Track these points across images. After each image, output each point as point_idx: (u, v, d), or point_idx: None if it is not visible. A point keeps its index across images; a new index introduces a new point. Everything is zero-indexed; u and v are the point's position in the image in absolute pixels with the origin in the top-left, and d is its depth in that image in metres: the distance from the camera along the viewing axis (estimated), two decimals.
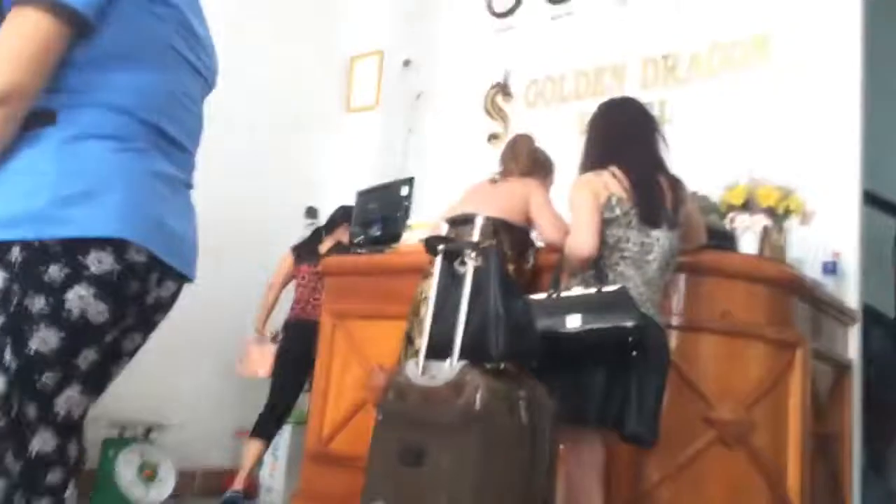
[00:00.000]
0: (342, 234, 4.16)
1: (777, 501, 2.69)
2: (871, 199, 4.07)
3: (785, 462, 2.72)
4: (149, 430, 3.73)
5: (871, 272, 3.80)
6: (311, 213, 4.78)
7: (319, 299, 4.00)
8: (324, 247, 4.19)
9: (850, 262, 3.44)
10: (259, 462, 3.94)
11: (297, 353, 3.97)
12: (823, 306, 3.14)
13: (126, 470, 3.58)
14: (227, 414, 4.07)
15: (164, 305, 1.41)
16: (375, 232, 3.76)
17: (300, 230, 4.69)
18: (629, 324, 2.11)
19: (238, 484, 3.79)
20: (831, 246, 3.37)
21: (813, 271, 3.21)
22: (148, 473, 3.63)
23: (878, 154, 4.00)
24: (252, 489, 3.90)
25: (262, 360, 4.05)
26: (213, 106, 4.63)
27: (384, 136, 4.90)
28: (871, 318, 4.01)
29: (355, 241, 3.86)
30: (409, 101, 5.05)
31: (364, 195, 4.00)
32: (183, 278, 1.41)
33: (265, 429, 3.93)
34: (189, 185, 1.47)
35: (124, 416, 3.70)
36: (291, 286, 4.20)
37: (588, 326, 2.14)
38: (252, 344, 4.11)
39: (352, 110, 5.05)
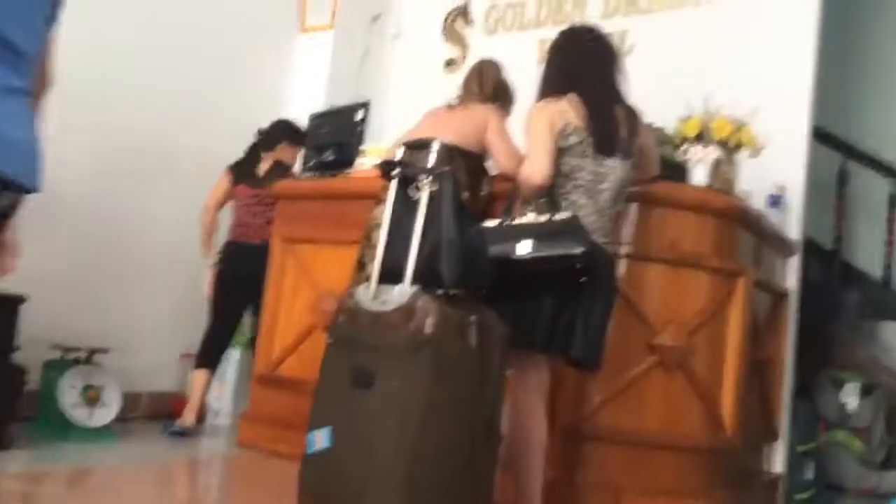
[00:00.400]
0: (283, 153, 4.01)
1: (711, 422, 2.81)
2: (820, 136, 4.15)
3: (720, 385, 2.84)
4: (92, 353, 3.68)
5: (815, 205, 3.91)
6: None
7: (260, 223, 3.90)
8: (263, 167, 4.01)
9: (795, 195, 3.53)
10: (207, 390, 3.92)
11: (236, 278, 3.87)
12: (766, 237, 3.23)
13: (69, 392, 3.55)
14: (173, 337, 4.04)
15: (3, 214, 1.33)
16: (328, 156, 3.69)
17: None
18: (578, 251, 2.13)
19: (188, 417, 3.74)
20: (778, 179, 3.45)
21: (759, 203, 3.29)
22: (92, 396, 3.60)
23: (830, 91, 4.07)
24: (199, 412, 3.91)
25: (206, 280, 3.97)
26: (161, 27, 4.48)
27: (339, 59, 4.77)
28: (811, 249, 4.15)
29: (307, 164, 3.79)
30: (365, 22, 4.92)
31: (317, 118, 3.92)
32: (21, 188, 1.33)
33: (208, 357, 3.86)
34: (27, 93, 1.38)
35: (67, 339, 3.64)
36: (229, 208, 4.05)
37: (538, 253, 2.16)
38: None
39: (305, 30, 4.88)
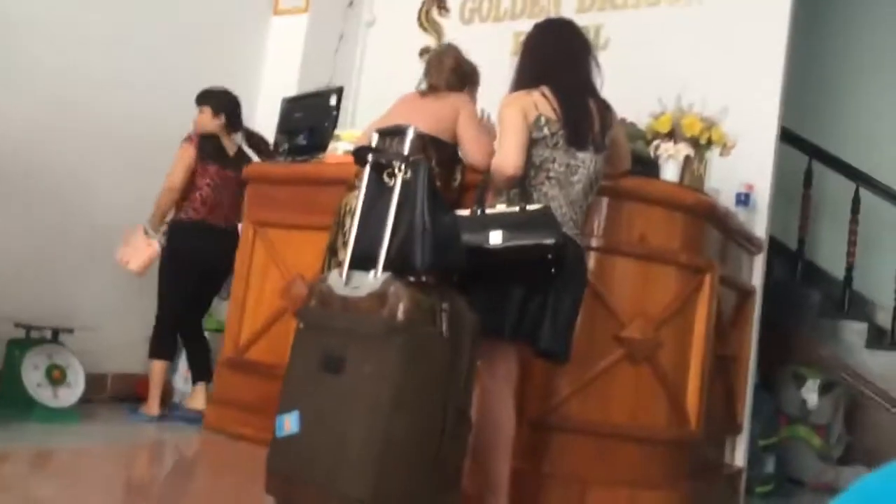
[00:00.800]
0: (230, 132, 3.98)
1: (676, 414, 2.86)
2: (788, 137, 4.22)
3: (686, 378, 2.88)
4: (57, 333, 3.63)
5: (780, 205, 3.97)
6: None
7: (229, 204, 3.83)
8: (230, 146, 3.93)
9: (763, 194, 3.59)
10: (165, 377, 3.84)
11: (199, 261, 3.75)
12: (733, 235, 3.28)
13: (33, 372, 3.49)
14: (139, 317, 3.97)
15: None
16: (301, 141, 3.68)
17: None
18: (550, 241, 2.15)
19: (153, 407, 3.70)
20: (746, 178, 3.50)
21: (727, 201, 3.34)
22: (56, 376, 3.55)
23: (798, 93, 4.14)
24: (165, 395, 3.87)
25: (137, 255, 3.72)
26: (134, 8, 4.41)
27: (313, 43, 4.73)
28: (776, 248, 4.22)
29: (280, 148, 3.76)
30: (341, 7, 4.88)
31: (290, 102, 3.89)
32: None
33: (161, 347, 3.78)
34: None
35: (31, 318, 3.58)
36: None
37: (509, 243, 2.17)
38: (135, 234, 3.73)
39: (279, 12, 4.83)
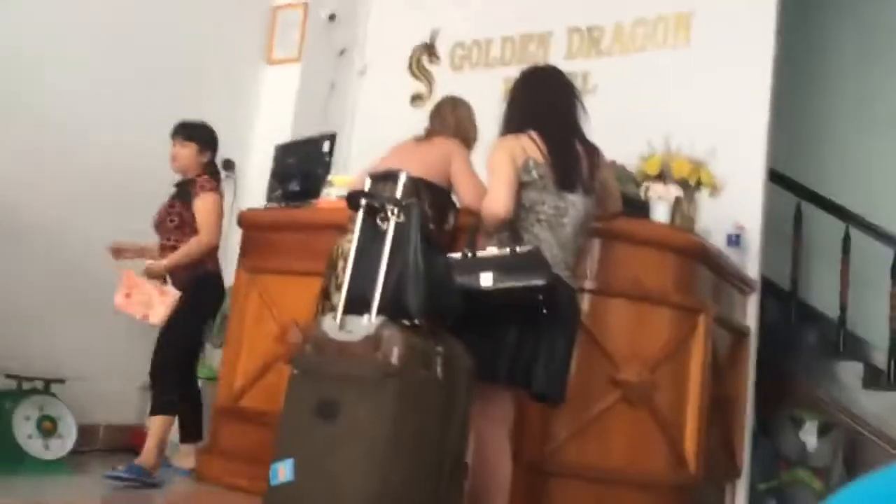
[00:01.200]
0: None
1: (675, 458, 2.83)
2: (776, 177, 4.27)
3: (684, 421, 2.86)
4: (48, 384, 3.59)
5: (772, 246, 4.00)
6: (228, 165, 4.64)
7: None
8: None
9: (754, 235, 3.62)
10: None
11: (216, 314, 3.71)
12: (726, 275, 3.29)
13: (24, 423, 3.44)
14: (132, 368, 3.93)
15: None
16: (294, 187, 3.69)
17: None
18: (540, 282, 2.15)
19: (147, 460, 3.33)
20: (737, 219, 3.53)
21: (718, 242, 3.36)
22: (48, 427, 3.50)
23: (785, 134, 4.20)
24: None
25: (154, 306, 3.39)
26: (128, 57, 4.45)
27: (305, 91, 4.79)
28: (768, 289, 4.23)
29: (272, 194, 3.78)
30: (332, 56, 4.96)
31: (283, 149, 3.91)
32: None
33: (173, 402, 3.47)
34: None
35: (22, 368, 3.55)
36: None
37: (500, 284, 2.17)
38: (141, 283, 3.41)
39: (273, 62, 4.91)
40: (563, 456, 2.74)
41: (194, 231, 3.50)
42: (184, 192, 3.58)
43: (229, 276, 3.77)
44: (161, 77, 4.27)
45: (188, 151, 3.60)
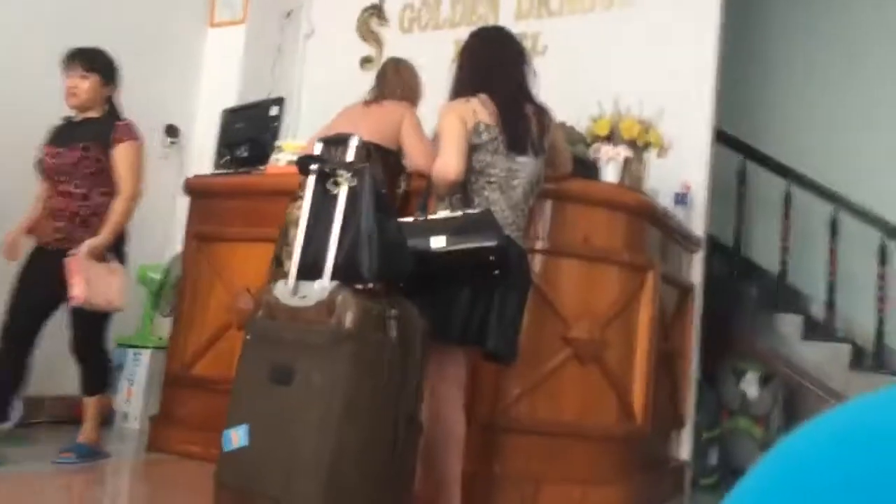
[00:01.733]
0: None
1: (623, 411, 2.91)
2: (722, 137, 4.35)
3: (632, 376, 2.94)
4: None
5: (717, 204, 4.09)
6: (172, 131, 4.55)
7: None
8: None
9: (700, 194, 3.70)
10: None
11: None
12: (673, 234, 3.37)
13: None
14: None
15: None
16: (242, 153, 3.64)
17: (159, 150, 4.46)
18: (491, 243, 2.17)
19: (89, 437, 3.22)
20: (684, 178, 3.60)
21: (666, 201, 3.42)
22: None
23: (731, 95, 4.27)
24: (106, 415, 3.76)
25: (111, 289, 3.09)
26: (67, 22, 4.30)
27: (250, 55, 4.70)
28: (713, 246, 4.34)
29: (220, 160, 3.72)
30: (278, 18, 4.86)
31: (230, 114, 3.85)
32: None
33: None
34: None
35: None
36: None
37: (452, 246, 2.19)
38: (90, 265, 3.03)
39: (215, 25, 4.78)
40: (516, 412, 2.80)
41: (111, 183, 3.09)
42: (99, 135, 3.11)
43: (177, 244, 3.72)
44: (98, 41, 4.12)
45: (90, 84, 3.13)
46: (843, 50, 5.19)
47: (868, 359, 4.52)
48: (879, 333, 4.43)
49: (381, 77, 3.02)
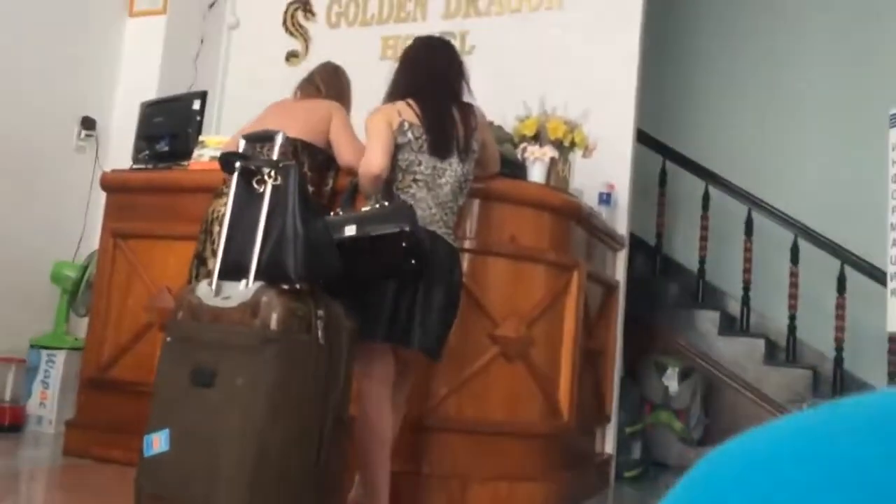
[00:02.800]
0: None
1: (549, 408, 2.96)
2: (644, 139, 4.46)
3: (558, 373, 2.98)
4: None
5: (639, 204, 4.20)
6: (88, 123, 4.38)
7: None
8: None
9: (623, 193, 3.78)
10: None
11: None
12: (598, 233, 3.43)
13: None
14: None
15: None
16: (162, 147, 3.53)
17: (74, 142, 4.29)
18: (402, 228, 2.15)
19: None
20: (607, 178, 3.67)
21: (590, 200, 3.48)
22: None
23: (653, 98, 4.38)
24: (19, 420, 3.60)
25: None
26: None
27: (172, 46, 4.55)
28: (636, 244, 4.45)
29: (139, 155, 3.60)
30: (201, 9, 4.73)
31: (150, 107, 3.72)
32: None
33: None
34: None
35: None
36: None
37: (361, 232, 2.17)
38: None
39: (135, 14, 4.62)
40: (444, 412, 2.80)
41: None
42: None
43: (94, 240, 3.59)
44: (9, 32, 3.94)
45: None
46: (762, 52, 5.38)
47: (781, 353, 4.72)
48: (791, 329, 4.62)
49: (313, 75, 2.97)
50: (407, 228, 2.16)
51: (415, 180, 2.35)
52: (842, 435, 0.28)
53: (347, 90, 2.99)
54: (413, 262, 2.21)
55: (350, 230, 2.17)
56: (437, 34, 2.89)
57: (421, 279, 2.26)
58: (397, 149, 2.34)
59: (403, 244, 2.17)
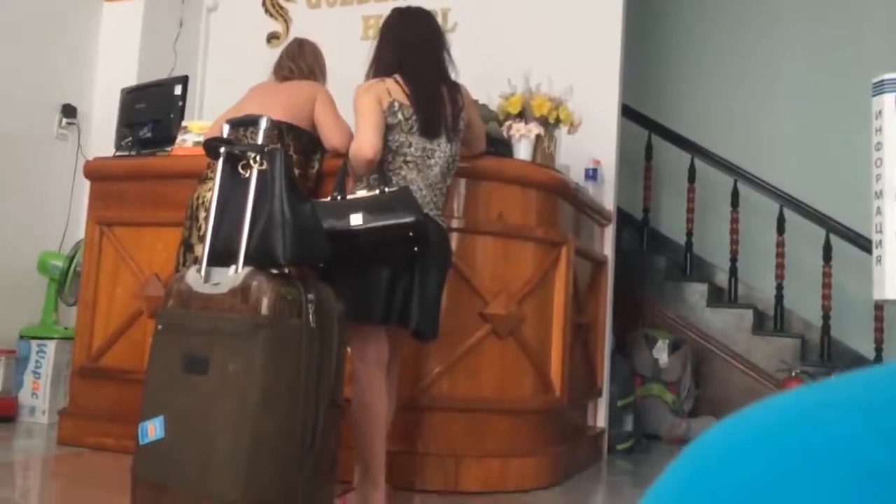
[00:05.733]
0: None
1: (541, 384, 2.98)
2: (630, 113, 4.46)
3: (549, 349, 3.00)
4: None
5: (626, 179, 4.20)
6: (69, 111, 4.33)
7: None
8: None
9: (609, 169, 3.78)
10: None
11: None
12: (585, 208, 3.44)
13: None
14: None
15: None
16: (145, 134, 3.50)
17: (55, 130, 4.25)
18: (409, 219, 2.17)
19: None
20: (593, 154, 3.67)
21: (577, 176, 3.49)
22: None
23: (638, 73, 4.37)
24: (11, 411, 3.59)
25: None
26: None
27: (150, 30, 4.49)
28: (623, 219, 4.47)
29: (122, 142, 3.57)
30: None
31: (131, 93, 3.68)
32: None
33: None
34: None
35: None
36: None
37: (370, 224, 2.18)
38: None
39: None
40: (437, 391, 2.82)
41: None
42: None
43: (79, 229, 3.57)
44: None
45: None
46: (744, 23, 5.37)
47: (769, 322, 4.76)
48: (779, 298, 4.66)
49: (287, 55, 2.94)
50: (414, 219, 2.16)
51: (405, 162, 2.34)
52: (837, 413, 0.28)
53: (318, 60, 2.96)
54: (415, 248, 2.21)
55: (357, 219, 2.17)
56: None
57: (416, 261, 2.27)
58: (387, 129, 2.32)
59: (410, 234, 2.18)
